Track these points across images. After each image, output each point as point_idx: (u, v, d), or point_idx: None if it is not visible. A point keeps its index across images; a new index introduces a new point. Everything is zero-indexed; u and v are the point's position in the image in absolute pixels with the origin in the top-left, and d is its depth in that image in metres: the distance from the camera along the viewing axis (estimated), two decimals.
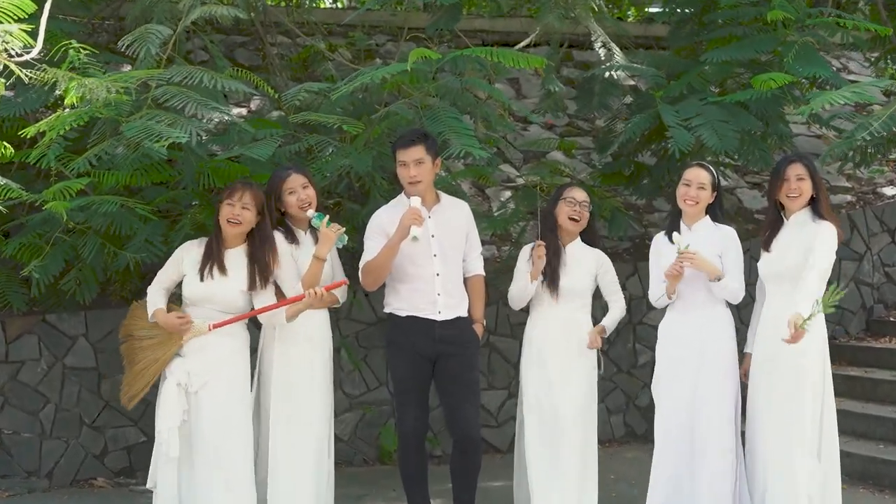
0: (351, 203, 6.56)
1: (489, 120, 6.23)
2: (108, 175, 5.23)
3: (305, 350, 4.93)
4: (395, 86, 5.82)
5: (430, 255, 4.95)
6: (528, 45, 7.15)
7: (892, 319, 8.07)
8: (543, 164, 7.94)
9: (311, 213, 4.87)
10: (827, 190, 4.90)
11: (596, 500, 5.15)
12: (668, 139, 5.89)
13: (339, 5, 10.93)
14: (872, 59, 8.59)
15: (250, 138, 5.49)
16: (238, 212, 4.77)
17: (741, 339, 5.08)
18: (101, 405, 6.39)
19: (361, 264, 5.00)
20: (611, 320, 5.25)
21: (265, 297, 4.82)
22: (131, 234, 5.44)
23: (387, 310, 5.10)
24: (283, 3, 9.33)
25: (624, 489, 6.09)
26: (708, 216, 5.06)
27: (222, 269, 4.76)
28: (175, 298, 4.96)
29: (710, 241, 4.96)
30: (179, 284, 4.89)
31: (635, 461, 6.71)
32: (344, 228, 4.81)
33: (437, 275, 4.95)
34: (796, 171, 4.80)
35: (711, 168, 5.06)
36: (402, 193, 5.04)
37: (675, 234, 4.96)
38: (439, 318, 4.95)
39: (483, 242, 5.34)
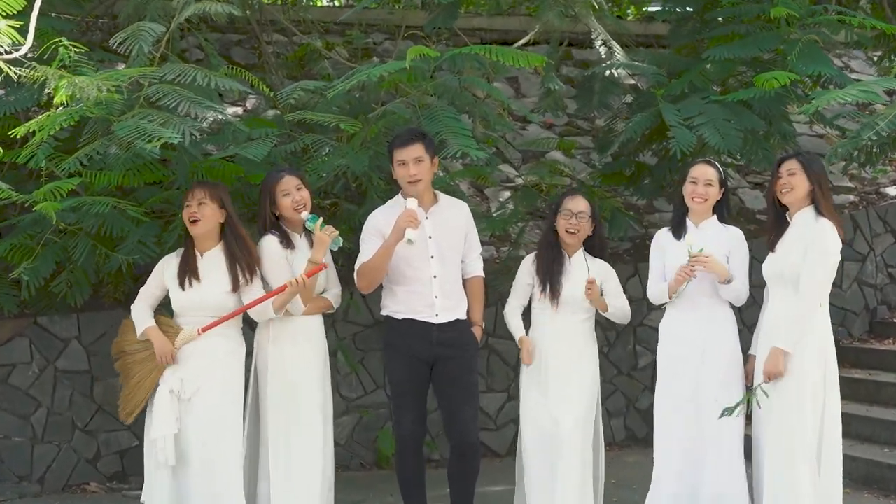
0: (348, 203, 6.48)
1: (488, 119, 6.14)
2: (100, 175, 5.14)
3: (303, 350, 4.85)
4: (393, 84, 5.74)
5: (428, 256, 4.86)
6: (527, 44, 7.08)
7: (895, 321, 7.98)
8: (543, 163, 7.89)
9: (305, 214, 4.78)
10: (829, 188, 4.76)
11: None
12: (670, 139, 5.81)
13: (337, 3, 10.84)
14: (875, 59, 8.51)
15: (245, 138, 5.41)
16: (195, 209, 4.69)
17: (744, 340, 5.00)
18: (93, 409, 6.30)
19: (357, 266, 4.92)
20: (612, 306, 5.09)
21: (254, 293, 4.74)
22: (124, 236, 5.35)
23: (384, 312, 5.02)
24: (279, 1, 9.23)
25: (625, 495, 6.00)
26: (715, 216, 4.97)
27: (196, 276, 4.70)
28: (166, 310, 4.89)
29: (718, 242, 4.89)
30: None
31: (636, 465, 6.62)
32: (338, 231, 4.72)
33: (435, 277, 4.87)
34: (788, 166, 4.72)
35: (717, 164, 4.96)
36: (400, 194, 4.95)
37: (689, 236, 4.89)
38: (437, 320, 4.86)
39: (482, 243, 5.24)
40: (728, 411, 4.66)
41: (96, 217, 5.10)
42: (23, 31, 4.36)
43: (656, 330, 5.17)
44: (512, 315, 5.15)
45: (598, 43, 6.41)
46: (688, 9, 7.02)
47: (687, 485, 4.89)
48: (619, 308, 5.13)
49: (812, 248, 4.58)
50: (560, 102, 7.25)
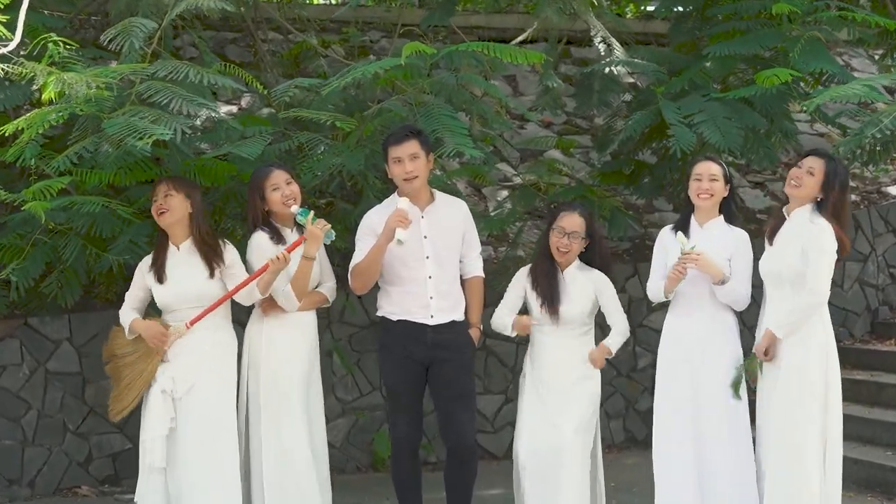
0: (343, 203, 6.40)
1: (485, 117, 6.06)
2: (91, 174, 5.06)
3: (295, 345, 4.79)
4: (389, 82, 5.66)
5: (423, 256, 4.78)
6: (524, 41, 7.01)
7: None
8: (541, 162, 7.83)
9: (295, 208, 4.71)
10: (846, 203, 4.64)
11: None
12: (670, 137, 5.73)
13: (333, 1, 10.75)
14: (877, 57, 8.43)
15: (239, 136, 5.33)
16: (161, 201, 4.67)
17: (745, 340, 4.93)
18: (85, 411, 6.22)
19: (351, 266, 4.84)
20: (613, 341, 4.95)
21: (237, 279, 4.67)
22: (115, 236, 5.27)
23: (379, 313, 4.94)
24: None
25: (625, 498, 5.93)
26: (722, 216, 4.88)
27: (162, 271, 4.68)
28: (155, 311, 4.83)
29: (722, 243, 4.80)
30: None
31: (636, 468, 6.54)
32: (329, 224, 4.64)
33: (430, 277, 4.79)
34: (812, 164, 4.62)
35: (721, 161, 4.87)
36: (396, 193, 4.87)
37: (679, 233, 4.80)
38: (432, 322, 4.78)
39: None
40: (733, 388, 4.69)
41: (86, 217, 5.02)
42: (10, 27, 4.28)
43: (656, 331, 5.11)
44: (500, 319, 4.98)
45: (597, 40, 6.34)
46: (688, 7, 6.95)
47: (690, 488, 4.80)
48: (619, 329, 4.99)
49: (810, 247, 4.51)
50: (558, 100, 7.18)
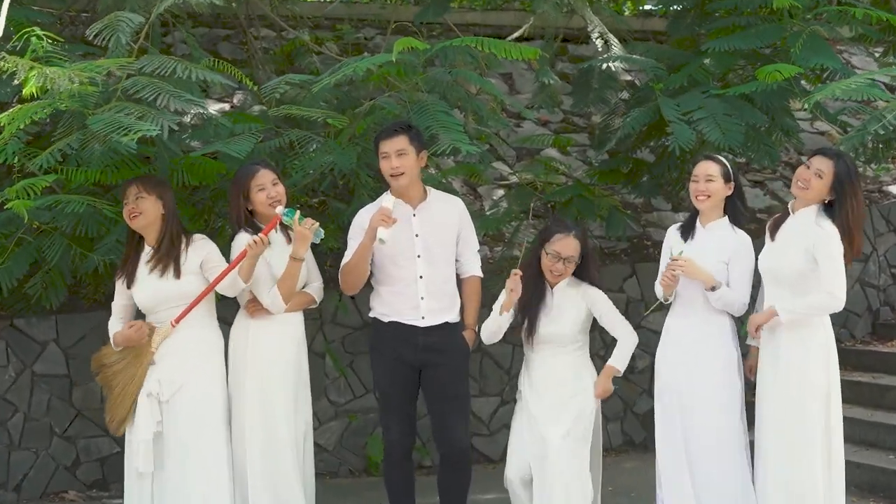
0: (336, 201, 6.29)
1: (480, 115, 5.94)
2: (77, 172, 4.95)
3: (281, 345, 4.67)
4: (382, 79, 5.54)
5: (414, 255, 4.67)
6: (521, 39, 6.90)
7: None
8: (538, 161, 7.72)
9: (280, 209, 4.57)
10: (859, 209, 4.51)
11: None
12: (668, 135, 5.62)
13: None
14: (877, 54, 8.33)
15: (228, 133, 5.22)
16: (133, 204, 4.55)
17: (744, 341, 4.83)
18: (72, 414, 6.10)
19: (341, 266, 4.74)
20: (620, 356, 4.75)
21: (217, 271, 4.57)
22: (101, 235, 5.16)
23: (371, 314, 4.84)
24: None
25: (624, 503, 5.82)
26: (727, 217, 4.76)
27: (133, 274, 4.58)
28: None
29: (720, 246, 4.67)
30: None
31: (634, 471, 6.45)
32: (318, 223, 4.52)
33: (421, 277, 4.67)
34: (820, 165, 4.50)
35: (721, 159, 4.73)
36: (388, 191, 4.76)
37: (674, 236, 4.70)
38: (422, 323, 4.66)
39: None
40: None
41: (71, 216, 4.90)
42: None
43: (654, 332, 5.02)
44: (488, 330, 4.78)
45: (594, 36, 6.22)
46: (685, 5, 6.86)
47: (688, 492, 4.70)
48: (625, 341, 4.79)
49: (817, 252, 4.41)
50: (555, 97, 7.08)
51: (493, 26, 9.28)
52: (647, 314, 5.02)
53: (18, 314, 6.04)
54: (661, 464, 4.79)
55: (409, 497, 4.83)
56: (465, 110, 6.09)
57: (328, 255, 6.41)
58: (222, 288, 4.57)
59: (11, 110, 4.45)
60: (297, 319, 4.76)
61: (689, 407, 4.68)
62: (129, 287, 4.60)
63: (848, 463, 4.65)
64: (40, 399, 6.06)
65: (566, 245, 4.66)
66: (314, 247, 4.75)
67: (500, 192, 7.64)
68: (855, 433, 6.08)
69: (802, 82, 6.33)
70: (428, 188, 4.83)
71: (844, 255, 4.44)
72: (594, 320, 4.85)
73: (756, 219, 7.85)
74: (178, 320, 4.52)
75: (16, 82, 4.39)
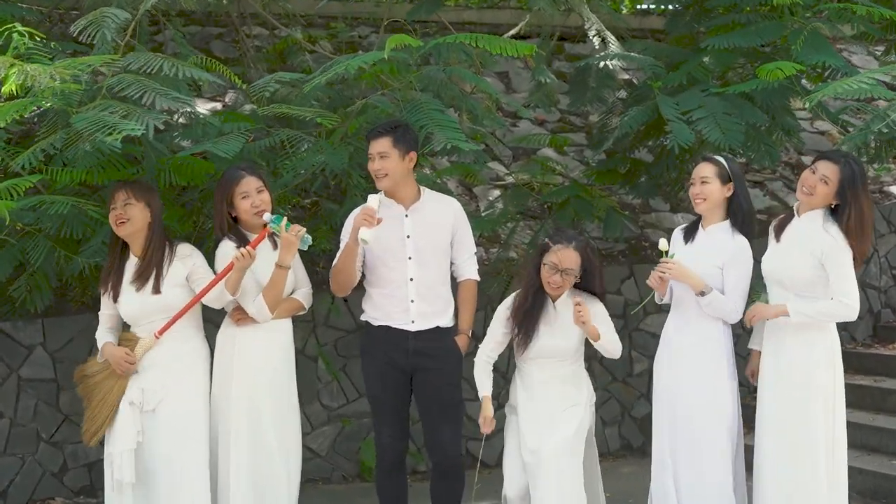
0: (329, 202, 6.18)
1: (475, 114, 5.83)
2: (62, 172, 4.83)
3: (269, 353, 4.55)
4: (375, 77, 5.43)
5: (404, 257, 4.56)
6: (516, 37, 6.79)
7: None
8: (534, 161, 7.63)
9: (267, 216, 4.44)
10: (862, 199, 4.40)
11: None
12: (667, 134, 5.51)
13: None
14: (878, 53, 8.23)
15: (217, 133, 5.10)
16: (121, 211, 4.43)
17: (744, 343, 4.73)
18: (59, 419, 5.99)
19: (332, 268, 4.63)
20: (605, 337, 4.56)
21: (203, 282, 4.45)
22: (87, 237, 5.04)
23: (362, 317, 4.73)
24: None
25: None
26: (729, 220, 4.64)
27: (119, 285, 4.47)
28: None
29: (717, 250, 4.56)
30: None
31: (632, 476, 6.34)
32: (304, 229, 4.40)
33: (411, 279, 4.56)
34: (826, 170, 4.40)
35: (720, 160, 4.62)
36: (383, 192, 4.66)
37: (662, 239, 4.61)
38: (413, 328, 4.56)
39: None
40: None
41: (55, 217, 4.77)
42: None
43: (652, 335, 4.92)
44: (481, 370, 4.64)
45: (591, 33, 6.10)
46: (683, 4, 6.76)
47: (671, 495, 4.63)
48: (610, 341, 4.59)
49: (826, 261, 4.34)
50: (552, 96, 6.97)
51: (489, 25, 9.20)
52: (636, 309, 4.89)
53: (4, 317, 5.92)
54: (652, 464, 4.72)
55: None
56: (460, 109, 5.98)
57: (321, 256, 6.31)
58: (208, 300, 4.46)
59: None
60: (286, 326, 4.64)
61: (680, 413, 4.60)
62: (114, 301, 4.50)
63: (849, 468, 4.57)
64: (27, 404, 5.95)
65: (565, 257, 4.46)
66: (305, 251, 4.64)
67: (496, 192, 7.54)
68: (856, 438, 5.98)
69: (803, 81, 6.22)
70: (423, 188, 4.73)
71: (854, 260, 4.35)
72: None
73: (757, 219, 7.75)
74: (161, 332, 4.41)
75: None
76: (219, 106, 7.57)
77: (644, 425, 6.84)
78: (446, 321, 4.63)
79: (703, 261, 4.54)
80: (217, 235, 4.57)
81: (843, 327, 7.45)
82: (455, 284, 4.77)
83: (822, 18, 5.85)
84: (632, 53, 6.09)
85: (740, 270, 4.53)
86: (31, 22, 5.18)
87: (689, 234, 4.69)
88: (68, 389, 5.93)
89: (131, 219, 4.43)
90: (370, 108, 5.31)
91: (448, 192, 6.04)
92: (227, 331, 4.58)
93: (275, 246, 4.50)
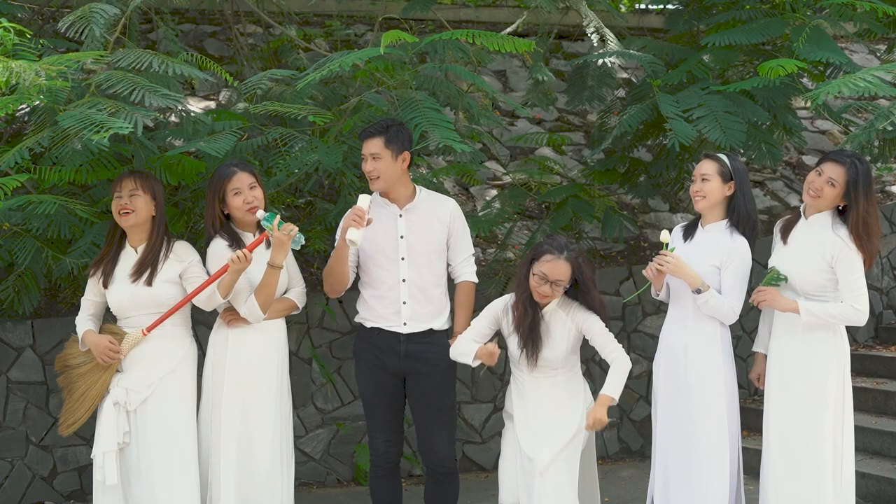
0: (323, 202, 6.09)
1: (471, 112, 5.74)
2: (51, 172, 4.73)
3: (262, 354, 4.46)
4: (370, 74, 5.34)
5: (397, 258, 4.46)
6: (513, 35, 6.69)
7: None
8: (532, 160, 7.53)
9: (260, 213, 4.36)
10: (868, 199, 4.34)
11: None
12: (667, 132, 5.40)
13: None
14: (879, 53, 8.14)
15: (208, 131, 5.00)
16: (126, 201, 4.34)
17: (744, 345, 4.63)
18: (49, 422, 5.89)
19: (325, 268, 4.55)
20: (614, 383, 4.37)
21: (196, 281, 4.37)
22: (76, 238, 4.95)
23: (356, 319, 4.63)
24: None
25: None
26: (727, 219, 4.55)
27: (111, 274, 4.37)
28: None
29: (714, 250, 4.47)
30: None
31: (631, 480, 6.26)
32: (297, 228, 4.31)
33: (404, 281, 4.46)
34: (832, 172, 4.32)
35: (722, 158, 4.53)
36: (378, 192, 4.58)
37: (664, 231, 4.51)
38: (404, 330, 4.46)
39: None
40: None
41: (43, 217, 4.68)
42: None
43: (651, 336, 4.83)
44: (461, 348, 4.42)
45: (589, 30, 6.01)
46: (683, 1, 6.67)
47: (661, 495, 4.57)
48: (618, 366, 4.40)
49: (837, 266, 4.28)
50: (549, 95, 6.87)
51: (486, 23, 9.10)
52: (629, 297, 4.78)
53: None
54: (652, 467, 4.66)
55: None
56: (456, 108, 5.89)
57: (315, 257, 6.22)
58: (199, 301, 4.37)
59: None
60: (279, 326, 4.55)
61: (678, 415, 4.52)
62: (105, 287, 4.40)
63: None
64: (16, 407, 5.86)
65: (555, 268, 4.29)
66: (298, 251, 4.55)
67: (493, 192, 7.45)
68: (858, 441, 5.78)
69: (804, 80, 6.13)
70: (419, 188, 4.63)
71: (863, 262, 4.29)
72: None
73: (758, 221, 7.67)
74: (150, 329, 4.32)
75: None
76: (212, 105, 7.48)
77: (643, 428, 6.76)
78: (440, 324, 4.54)
79: (700, 260, 4.46)
80: (209, 233, 4.48)
81: None
82: (452, 286, 4.67)
83: (824, 15, 5.76)
84: (631, 51, 6.00)
85: (738, 271, 4.45)
86: (23, 20, 5.09)
87: (689, 232, 4.61)
88: (58, 392, 5.72)
89: (136, 210, 4.35)
90: (365, 107, 5.21)
91: (444, 191, 5.95)
92: (219, 332, 4.49)
93: (268, 245, 4.41)
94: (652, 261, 4.47)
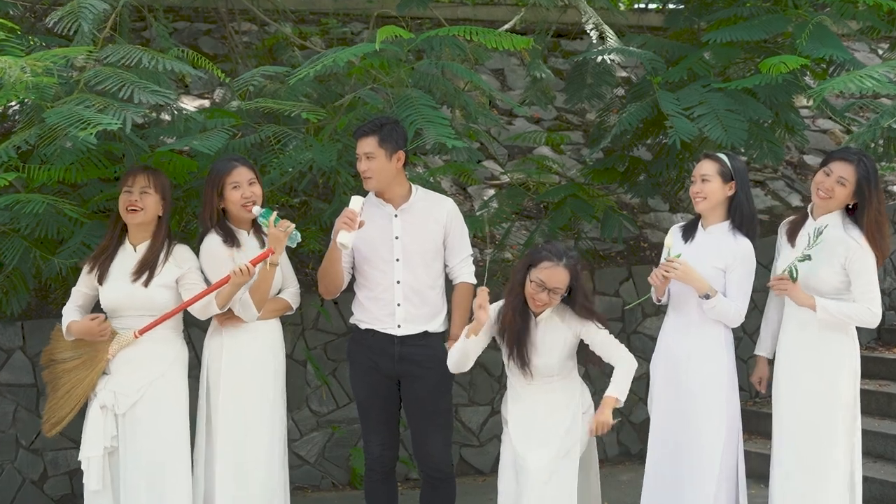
0: (318, 201, 6.00)
1: (468, 110, 5.65)
2: (40, 170, 4.64)
3: (258, 358, 4.39)
4: (365, 72, 5.25)
5: (392, 259, 4.38)
6: (511, 32, 6.61)
7: None
8: (530, 160, 7.45)
9: (256, 209, 4.29)
10: (879, 195, 4.35)
11: None
12: (667, 130, 5.32)
13: None
14: (881, 52, 8.06)
15: (200, 129, 4.92)
16: (136, 197, 4.26)
17: (745, 347, 4.55)
18: (39, 425, 5.74)
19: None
20: (619, 385, 4.25)
21: (194, 289, 4.28)
22: (66, 237, 4.86)
23: (350, 320, 4.56)
24: None
25: None
26: (729, 220, 4.47)
27: (107, 269, 4.29)
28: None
29: (718, 252, 4.40)
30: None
31: (631, 484, 6.17)
32: (294, 225, 4.22)
33: (398, 282, 4.37)
34: (842, 171, 4.26)
35: (722, 157, 4.44)
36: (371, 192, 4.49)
37: (668, 237, 4.42)
38: (399, 332, 4.38)
39: None
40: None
41: (32, 217, 4.59)
42: None
43: (651, 338, 4.76)
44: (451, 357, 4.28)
45: (588, 27, 5.92)
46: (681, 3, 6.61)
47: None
48: (622, 367, 4.29)
49: (852, 269, 4.26)
50: (548, 93, 6.79)
51: (484, 21, 9.00)
52: (631, 305, 4.71)
53: None
54: (649, 480, 4.59)
55: None
56: (453, 106, 5.80)
57: (310, 257, 6.14)
58: (193, 309, 4.29)
59: None
60: (274, 327, 4.48)
61: (679, 418, 4.45)
62: (100, 283, 4.31)
63: None
64: (5, 410, 5.77)
65: (553, 275, 4.15)
66: (292, 250, 4.47)
67: (491, 191, 7.37)
68: (863, 445, 5.78)
69: (807, 79, 6.05)
70: (415, 187, 4.55)
71: (876, 260, 4.24)
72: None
73: (758, 221, 7.60)
74: (142, 332, 4.24)
75: None
76: (207, 104, 7.40)
77: (643, 431, 6.66)
78: (436, 326, 4.46)
79: (703, 262, 4.38)
80: (205, 226, 4.40)
81: None
82: (450, 287, 4.59)
83: (826, 13, 5.67)
84: (630, 48, 5.91)
85: (743, 273, 4.38)
86: (15, 17, 5.00)
87: (688, 233, 4.52)
88: None
89: (145, 208, 4.28)
90: (360, 104, 5.13)
91: (441, 191, 5.86)
92: (214, 338, 4.42)
93: (262, 244, 4.35)
94: (657, 268, 4.39)
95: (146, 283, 4.26)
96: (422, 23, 8.56)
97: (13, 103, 4.63)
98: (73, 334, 4.32)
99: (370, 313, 4.42)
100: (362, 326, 4.45)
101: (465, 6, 9.22)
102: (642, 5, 9.44)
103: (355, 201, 4.22)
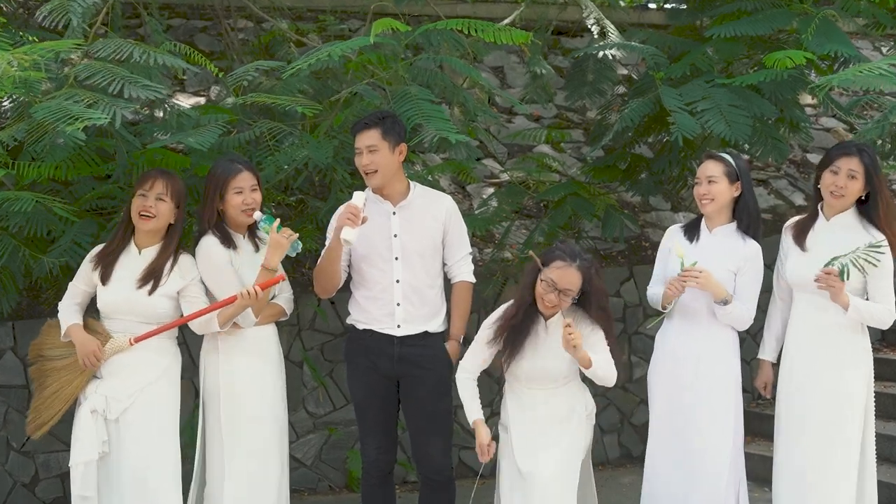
0: (314, 199, 5.91)
1: (467, 107, 5.56)
2: (30, 167, 4.55)
3: (256, 364, 4.31)
4: (362, 67, 5.16)
5: (391, 258, 4.29)
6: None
7: None
8: (530, 158, 7.36)
9: (258, 214, 4.21)
10: (883, 184, 4.32)
11: None
12: (670, 126, 5.23)
13: None
14: (885, 49, 7.98)
15: (193, 125, 4.83)
16: (151, 203, 4.16)
17: (747, 349, 4.48)
18: None
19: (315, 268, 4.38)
20: (598, 365, 4.09)
21: (196, 302, 4.20)
22: (56, 236, 4.76)
23: (348, 321, 4.47)
24: None
25: None
26: (735, 222, 4.38)
27: (110, 270, 4.18)
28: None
29: (728, 254, 4.32)
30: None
31: (632, 487, 6.07)
32: (297, 234, 4.14)
33: (398, 281, 4.28)
34: (851, 165, 4.18)
35: (727, 157, 4.35)
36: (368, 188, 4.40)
37: (677, 244, 4.32)
38: (398, 332, 4.29)
39: None
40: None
41: (21, 215, 4.49)
42: None
43: (652, 339, 4.67)
44: (464, 387, 4.24)
45: (590, 22, 5.84)
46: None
47: None
48: (602, 368, 4.12)
49: (874, 269, 4.15)
50: (548, 89, 6.71)
51: (483, 18, 8.88)
52: (649, 326, 4.65)
53: None
54: (648, 483, 4.53)
55: None
56: (451, 102, 5.71)
57: (307, 256, 6.05)
58: (193, 324, 4.21)
59: None
60: (272, 337, 4.41)
61: (682, 422, 4.39)
62: (103, 283, 4.22)
63: None
64: None
65: (565, 275, 4.05)
66: (286, 257, 4.38)
67: (490, 190, 7.29)
68: None
69: (811, 76, 5.96)
70: (413, 184, 4.46)
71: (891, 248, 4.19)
72: None
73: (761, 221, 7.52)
74: (137, 340, 4.15)
75: None
76: (202, 101, 7.33)
77: (644, 433, 6.56)
78: (436, 326, 4.37)
79: (714, 266, 4.30)
80: (203, 227, 4.31)
81: None
82: (449, 286, 4.50)
83: (833, 7, 5.59)
84: (632, 43, 5.82)
85: (752, 276, 4.34)
86: (8, 13, 4.92)
87: (691, 234, 4.43)
88: None
89: (158, 216, 4.19)
90: (357, 100, 5.04)
91: (440, 189, 5.78)
92: (211, 353, 4.33)
93: (256, 248, 4.28)
94: (674, 279, 4.28)
95: (150, 292, 4.18)
96: (420, 19, 8.48)
97: (3, 100, 4.54)
98: (69, 337, 4.23)
99: (368, 313, 4.34)
100: (360, 327, 4.36)
101: (465, 3, 9.14)
102: (643, 3, 9.36)
103: (357, 196, 4.13)
